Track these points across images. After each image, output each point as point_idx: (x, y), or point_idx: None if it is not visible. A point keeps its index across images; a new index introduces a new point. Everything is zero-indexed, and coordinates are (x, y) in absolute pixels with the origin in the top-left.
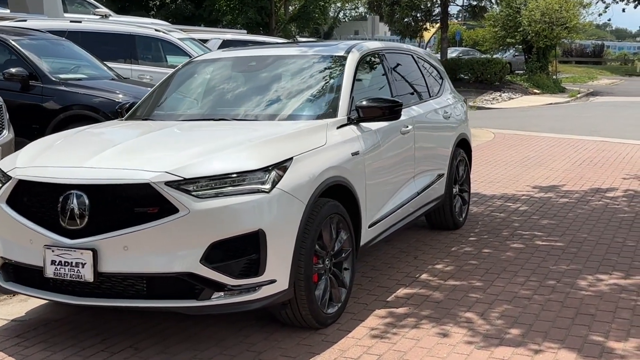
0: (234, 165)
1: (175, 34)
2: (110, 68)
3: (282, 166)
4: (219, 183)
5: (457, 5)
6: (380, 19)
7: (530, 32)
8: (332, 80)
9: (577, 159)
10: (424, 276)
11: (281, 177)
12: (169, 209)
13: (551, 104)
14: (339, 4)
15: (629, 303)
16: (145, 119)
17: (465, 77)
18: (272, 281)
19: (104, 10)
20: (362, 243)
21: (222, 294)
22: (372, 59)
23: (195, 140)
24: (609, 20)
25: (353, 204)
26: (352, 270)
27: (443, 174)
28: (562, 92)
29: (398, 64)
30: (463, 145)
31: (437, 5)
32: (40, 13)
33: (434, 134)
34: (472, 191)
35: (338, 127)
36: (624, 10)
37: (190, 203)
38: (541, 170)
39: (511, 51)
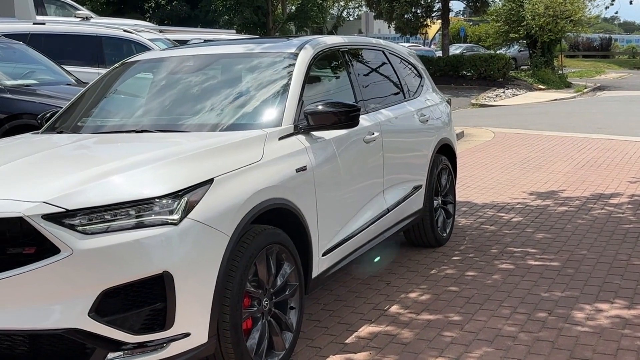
0: (133, 191)
1: (146, 34)
2: (69, 72)
3: (197, 190)
4: (112, 215)
5: (458, 0)
6: (379, 16)
7: (534, 26)
8: (278, 83)
9: (580, 160)
10: (394, 308)
11: (195, 203)
12: (48, 249)
13: (556, 99)
14: (342, 3)
15: (633, 343)
16: (60, 132)
17: (468, 74)
18: (186, 334)
19: (85, 12)
20: (314, 275)
21: (120, 354)
22: (332, 56)
23: (96, 159)
24: (616, 13)
25: (300, 229)
26: (300, 309)
27: (421, 186)
28: (568, 87)
29: (365, 62)
30: (445, 152)
31: (437, 1)
32: (11, 16)
33: (407, 140)
34: (463, 199)
35: (281, 138)
36: (631, 2)
37: (74, 241)
38: (540, 174)
39: (516, 46)
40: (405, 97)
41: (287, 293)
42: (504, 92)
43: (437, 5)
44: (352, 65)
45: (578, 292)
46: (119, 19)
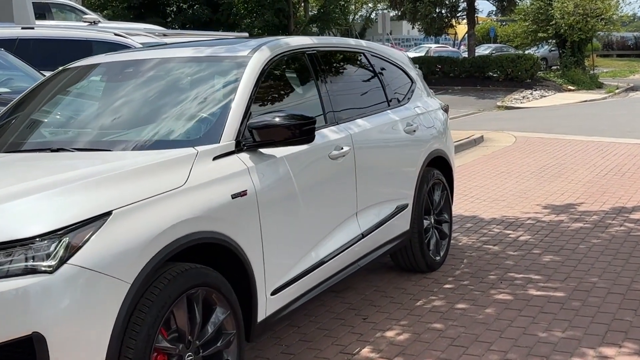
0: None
1: (138, 38)
2: None
3: (85, 227)
4: None
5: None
6: (402, 17)
7: (563, 25)
8: (221, 91)
9: (603, 167)
10: (364, 352)
11: (81, 245)
12: None
13: (586, 101)
14: (370, 4)
15: None
16: None
17: (494, 75)
18: None
19: (92, 16)
20: (260, 318)
21: None
22: (295, 60)
23: None
24: None
25: (239, 266)
26: None
27: (406, 205)
28: (599, 88)
29: (340, 67)
30: (439, 165)
31: (462, 1)
32: (10, 21)
33: (388, 154)
34: (469, 214)
35: (217, 157)
36: None
37: None
38: (558, 183)
39: (546, 46)
40: (389, 105)
41: (220, 344)
42: (531, 94)
43: (462, 5)
44: (322, 70)
45: (582, 332)
46: (128, 23)
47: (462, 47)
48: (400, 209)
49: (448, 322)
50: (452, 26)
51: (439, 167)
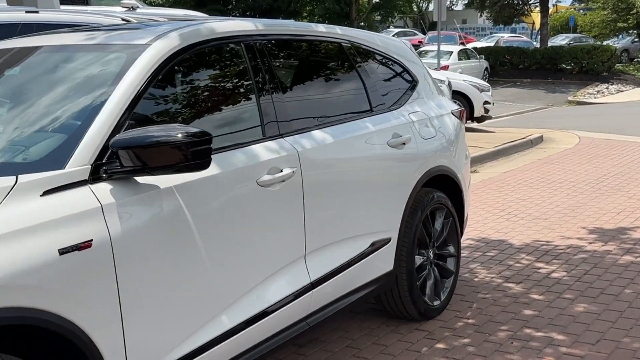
0: None
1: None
2: None
3: None
4: None
5: None
6: (471, 4)
7: None
8: (93, 94)
9: None
10: None
11: None
12: None
13: None
14: None
15: None
16: None
17: (568, 68)
18: None
19: (130, 1)
20: None
21: None
22: (222, 52)
23: None
24: None
25: (78, 350)
26: None
27: (388, 239)
28: None
29: (297, 61)
30: (443, 185)
31: None
32: (33, 5)
33: (360, 175)
34: (497, 237)
35: (50, 191)
36: None
37: None
38: (616, 199)
39: (628, 37)
40: (372, 111)
41: None
42: (607, 88)
43: None
44: (266, 65)
45: None
46: (169, 9)
47: (539, 37)
48: (378, 245)
49: None
50: (524, 14)
51: (442, 188)
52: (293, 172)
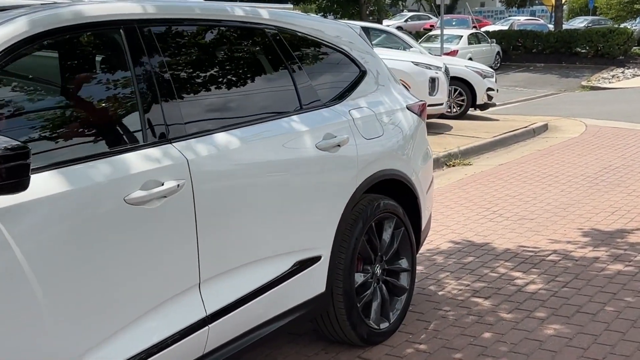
0: None
1: None
2: None
3: None
4: None
5: None
6: None
7: None
8: None
9: None
10: None
11: None
12: None
13: None
14: None
15: None
16: None
17: (583, 51)
18: None
19: None
20: None
21: None
22: (92, 39)
23: None
24: None
25: None
26: None
27: (318, 257)
28: None
29: (198, 50)
30: (393, 191)
31: None
32: None
33: (275, 183)
34: (479, 239)
35: None
36: None
37: None
38: (614, 195)
39: None
40: (301, 108)
41: None
42: (622, 73)
43: None
44: (153, 56)
45: None
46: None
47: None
48: (303, 264)
49: None
50: None
51: (393, 195)
52: (179, 185)
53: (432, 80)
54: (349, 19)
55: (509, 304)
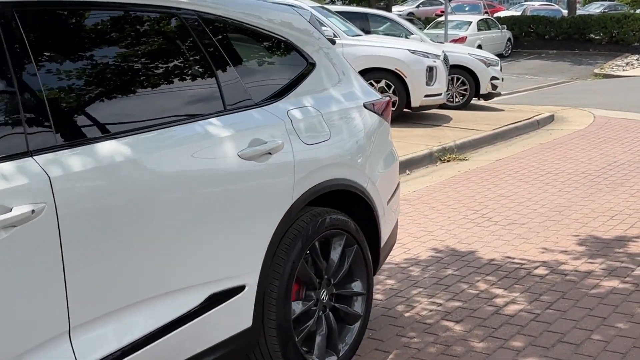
0: None
1: None
2: None
3: None
4: None
5: None
6: None
7: None
8: None
9: None
10: None
11: None
12: None
13: None
14: None
15: None
16: None
17: (597, 38)
18: None
19: None
20: None
21: None
22: None
23: None
24: None
25: None
26: None
27: (240, 287)
28: None
29: (96, 42)
30: (344, 203)
31: None
32: None
33: (176, 203)
34: (462, 247)
35: None
36: None
37: None
38: (615, 196)
39: None
40: (224, 109)
41: None
42: (637, 60)
43: None
44: (18, 49)
45: None
46: None
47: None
48: (221, 297)
49: None
50: None
51: (344, 207)
52: (34, 211)
53: (430, 69)
54: (358, 5)
55: (482, 329)
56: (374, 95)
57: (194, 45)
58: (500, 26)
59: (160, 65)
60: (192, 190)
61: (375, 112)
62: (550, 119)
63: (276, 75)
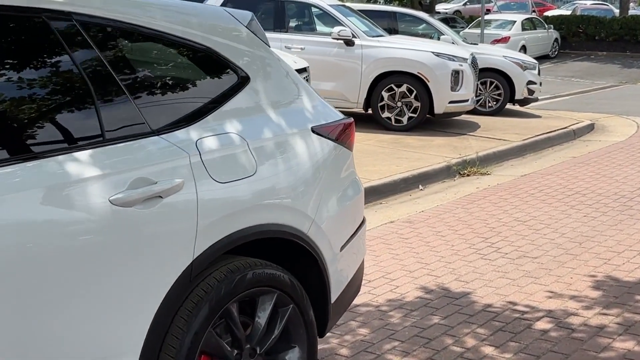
0: None
1: None
2: None
3: None
4: None
5: None
6: None
7: None
8: None
9: None
10: None
11: None
12: None
13: None
14: None
15: None
16: None
17: None
18: None
19: None
20: None
21: None
22: None
23: None
24: None
25: None
26: None
27: None
28: None
29: None
30: (283, 251)
31: None
32: None
33: (17, 267)
34: (458, 288)
35: None
36: None
37: None
38: None
39: None
40: (103, 138)
41: None
42: None
43: None
44: None
45: None
46: None
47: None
48: None
49: None
50: None
51: (282, 256)
52: None
53: (456, 74)
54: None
55: None
56: (331, 116)
57: (67, 59)
58: (546, 26)
59: (9, 79)
60: (36, 251)
61: (328, 138)
62: (589, 128)
63: (191, 93)
